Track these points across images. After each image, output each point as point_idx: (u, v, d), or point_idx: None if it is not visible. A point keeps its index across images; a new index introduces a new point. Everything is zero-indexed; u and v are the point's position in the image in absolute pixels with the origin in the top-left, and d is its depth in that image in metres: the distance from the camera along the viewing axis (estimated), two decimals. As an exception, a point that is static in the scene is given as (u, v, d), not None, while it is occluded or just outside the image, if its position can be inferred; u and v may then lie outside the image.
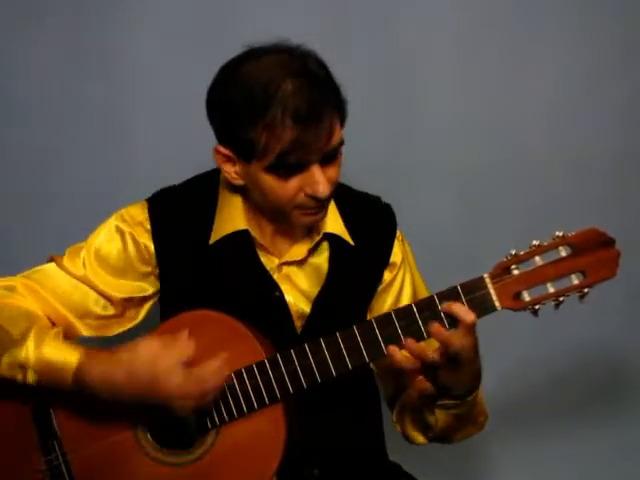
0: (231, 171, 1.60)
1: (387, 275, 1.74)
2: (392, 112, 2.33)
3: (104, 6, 2.32)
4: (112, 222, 1.70)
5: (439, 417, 1.61)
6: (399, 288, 1.75)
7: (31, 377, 1.54)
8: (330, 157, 1.55)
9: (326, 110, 1.50)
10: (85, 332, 1.69)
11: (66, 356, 1.52)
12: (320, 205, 1.58)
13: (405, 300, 1.74)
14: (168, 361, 1.48)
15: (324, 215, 1.64)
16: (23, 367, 1.54)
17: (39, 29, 2.33)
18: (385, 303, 1.74)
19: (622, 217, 2.27)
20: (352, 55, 2.24)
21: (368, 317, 1.74)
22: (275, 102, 1.47)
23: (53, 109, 2.37)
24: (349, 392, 1.68)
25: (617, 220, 1.83)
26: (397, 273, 1.75)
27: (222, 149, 1.57)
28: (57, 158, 2.39)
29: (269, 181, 1.54)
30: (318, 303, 1.68)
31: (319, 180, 1.52)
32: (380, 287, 1.74)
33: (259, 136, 1.49)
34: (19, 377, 1.55)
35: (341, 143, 1.55)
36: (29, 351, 1.53)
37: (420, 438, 1.73)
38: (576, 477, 2.34)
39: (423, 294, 1.75)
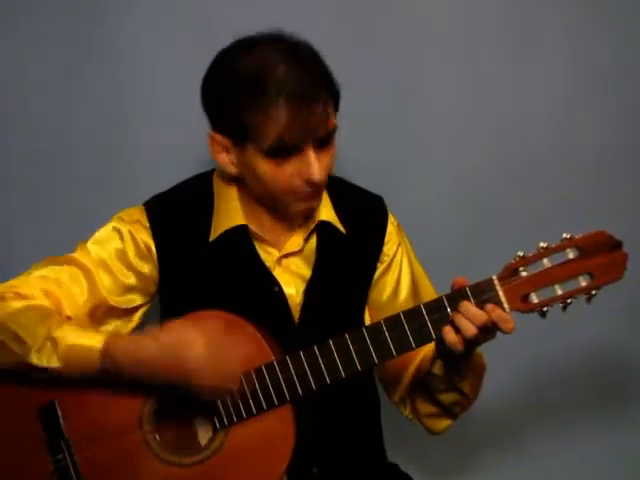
0: (226, 160, 1.63)
1: (380, 265, 1.77)
2: (392, 112, 2.32)
3: (104, 5, 2.32)
4: (109, 225, 1.72)
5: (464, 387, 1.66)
6: (398, 273, 1.78)
7: (54, 362, 1.53)
8: (324, 142, 1.58)
9: (319, 91, 1.55)
10: None
11: (90, 339, 1.52)
12: (315, 191, 1.61)
13: (404, 288, 1.78)
14: (193, 334, 1.49)
15: (319, 203, 1.67)
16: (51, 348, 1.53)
17: (39, 29, 2.33)
18: (384, 291, 1.78)
19: (628, 218, 2.26)
20: (352, 55, 2.24)
21: (367, 308, 1.78)
22: (269, 85, 1.52)
23: (53, 109, 2.36)
24: (349, 392, 1.68)
25: (623, 221, 1.84)
26: (393, 258, 1.77)
27: (217, 137, 1.61)
28: (57, 158, 2.38)
29: (265, 167, 1.57)
30: (309, 287, 1.70)
31: (313, 164, 1.56)
32: (376, 275, 1.77)
33: (254, 118, 1.53)
34: (44, 362, 1.53)
35: (334, 129, 1.59)
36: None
37: (444, 423, 1.76)
38: (579, 478, 2.36)
39: (424, 284, 1.80)
